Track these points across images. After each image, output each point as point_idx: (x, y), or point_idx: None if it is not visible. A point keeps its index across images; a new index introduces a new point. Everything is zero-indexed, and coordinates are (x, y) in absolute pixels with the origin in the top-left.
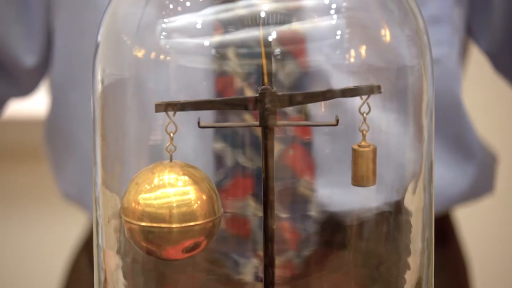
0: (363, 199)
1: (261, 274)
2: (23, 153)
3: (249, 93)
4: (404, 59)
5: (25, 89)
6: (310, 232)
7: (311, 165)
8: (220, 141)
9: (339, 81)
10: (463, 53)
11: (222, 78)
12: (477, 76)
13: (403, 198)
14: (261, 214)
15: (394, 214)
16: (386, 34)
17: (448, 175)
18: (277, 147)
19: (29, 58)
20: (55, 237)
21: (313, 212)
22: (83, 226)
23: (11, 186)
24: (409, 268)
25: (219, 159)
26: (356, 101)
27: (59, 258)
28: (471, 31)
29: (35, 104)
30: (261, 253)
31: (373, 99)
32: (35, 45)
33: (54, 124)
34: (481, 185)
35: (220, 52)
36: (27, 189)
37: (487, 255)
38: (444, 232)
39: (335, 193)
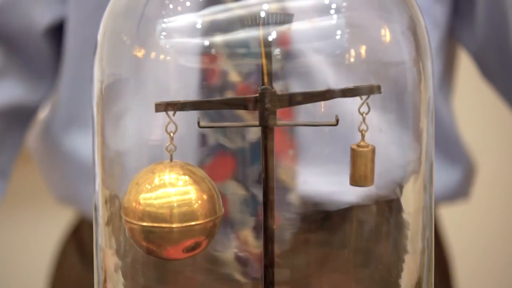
0: (344, 187)
1: (241, 254)
2: None
3: (234, 76)
4: (403, 58)
5: (40, 74)
6: (290, 217)
7: (293, 151)
8: (204, 120)
9: (319, 64)
10: (447, 52)
11: (207, 56)
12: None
13: (394, 196)
14: (240, 193)
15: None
16: (386, 33)
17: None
18: (258, 131)
19: (44, 16)
20: (39, 237)
21: (293, 199)
22: (69, 223)
23: None
24: (409, 268)
25: (202, 137)
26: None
27: (43, 258)
28: (456, 33)
29: None
30: (239, 233)
31: (371, 99)
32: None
33: (43, 128)
34: (461, 189)
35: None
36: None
37: (468, 248)
38: None
39: (316, 181)
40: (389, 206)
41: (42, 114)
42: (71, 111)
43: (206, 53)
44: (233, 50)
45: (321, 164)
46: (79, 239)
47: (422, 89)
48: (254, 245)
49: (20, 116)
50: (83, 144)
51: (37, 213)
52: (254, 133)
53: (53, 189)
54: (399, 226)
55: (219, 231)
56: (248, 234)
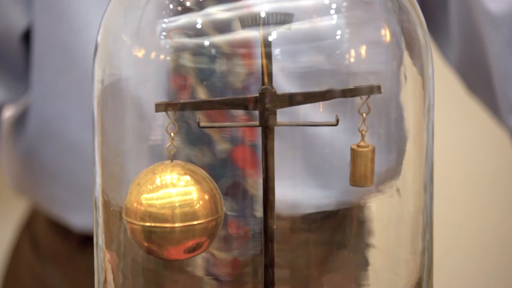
0: (306, 198)
1: (215, 271)
2: None
3: (201, 93)
4: (402, 57)
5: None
6: (257, 231)
7: (257, 166)
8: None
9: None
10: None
11: (177, 76)
12: None
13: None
14: None
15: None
16: (385, 33)
17: None
18: (224, 146)
19: (22, 20)
20: None
21: (259, 212)
22: (22, 215)
23: None
24: (409, 268)
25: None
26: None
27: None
28: (439, 48)
29: None
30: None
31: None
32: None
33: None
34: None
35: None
36: None
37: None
38: None
39: (281, 193)
40: (387, 207)
41: (9, 112)
42: (41, 116)
43: (206, 53)
44: (234, 50)
45: (284, 177)
46: (32, 231)
47: (421, 89)
48: (222, 257)
49: None
50: (47, 142)
51: None
52: (223, 148)
53: (12, 179)
54: (398, 226)
55: None
56: (215, 247)
